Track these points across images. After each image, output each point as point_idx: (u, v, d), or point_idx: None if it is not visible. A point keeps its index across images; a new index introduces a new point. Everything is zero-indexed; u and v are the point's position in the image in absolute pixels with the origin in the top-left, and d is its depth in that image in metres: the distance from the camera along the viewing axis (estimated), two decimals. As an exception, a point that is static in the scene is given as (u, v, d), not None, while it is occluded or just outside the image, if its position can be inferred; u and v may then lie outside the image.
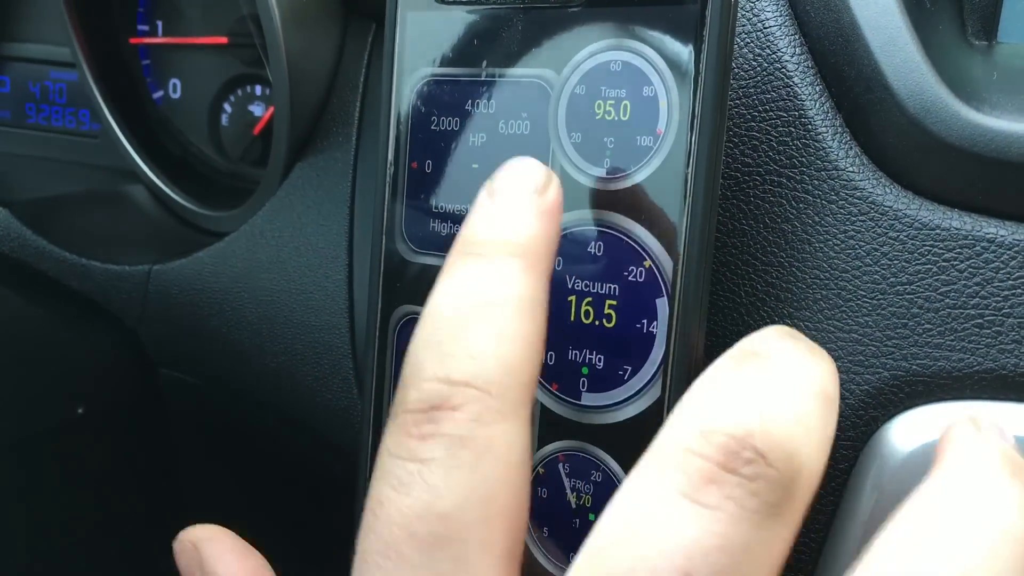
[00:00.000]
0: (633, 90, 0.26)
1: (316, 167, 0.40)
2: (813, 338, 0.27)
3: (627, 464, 0.26)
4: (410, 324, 0.30)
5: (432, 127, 0.29)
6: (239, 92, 0.48)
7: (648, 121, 0.26)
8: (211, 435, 0.48)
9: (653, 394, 0.26)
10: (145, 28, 0.50)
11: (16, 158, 0.55)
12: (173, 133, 0.50)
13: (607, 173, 0.26)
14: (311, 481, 0.45)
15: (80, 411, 0.41)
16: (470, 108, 0.29)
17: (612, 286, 0.26)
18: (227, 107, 0.49)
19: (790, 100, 0.28)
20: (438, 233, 0.29)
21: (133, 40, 0.50)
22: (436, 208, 0.29)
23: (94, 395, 0.43)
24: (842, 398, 0.26)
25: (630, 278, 0.26)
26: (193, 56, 0.49)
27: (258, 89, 0.47)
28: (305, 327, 0.39)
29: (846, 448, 0.27)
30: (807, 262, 0.27)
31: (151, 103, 0.50)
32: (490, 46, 0.28)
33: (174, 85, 0.50)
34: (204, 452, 0.49)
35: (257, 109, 0.48)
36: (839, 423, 0.26)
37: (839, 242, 0.27)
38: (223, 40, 0.47)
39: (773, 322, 0.28)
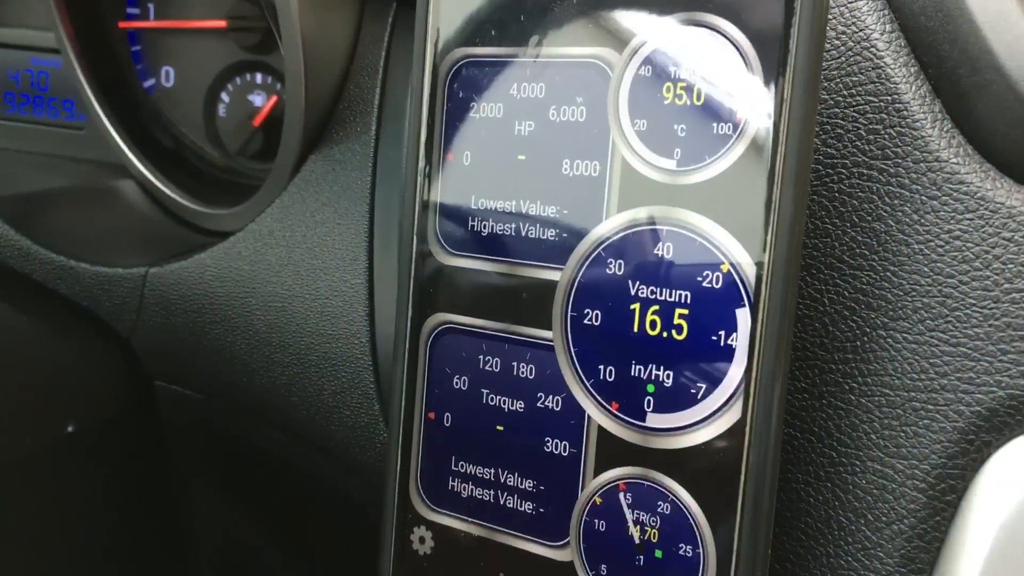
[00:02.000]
0: (709, 71, 0.24)
1: (331, 159, 0.39)
2: (913, 352, 0.25)
3: (700, 494, 0.24)
4: (445, 334, 0.28)
5: (471, 114, 0.27)
6: (238, 80, 0.47)
7: (727, 106, 0.24)
8: (212, 455, 0.47)
9: (732, 416, 0.24)
10: (136, 11, 0.48)
11: (-6, 151, 0.54)
12: (165, 124, 0.49)
13: (678, 165, 0.24)
14: (326, 505, 0.43)
15: (70, 429, 0.39)
16: (515, 93, 0.27)
17: (683, 293, 0.24)
18: (224, 96, 0.47)
19: (881, 83, 0.26)
20: (478, 233, 0.27)
21: (122, 24, 0.48)
22: (475, 205, 0.27)
23: (83, 412, 0.41)
24: (949, 420, 0.24)
25: (704, 284, 0.24)
26: (188, 41, 0.48)
27: (259, 77, 0.46)
28: (320, 336, 0.37)
29: (954, 478, 0.25)
30: (904, 265, 0.25)
31: (142, 92, 0.49)
32: (540, 22, 0.26)
33: (167, 73, 0.49)
34: (204, 473, 0.48)
35: (257, 99, 0.46)
36: (945, 450, 0.24)
37: (943, 243, 0.25)
38: (222, 24, 0.45)
39: (863, 333, 0.26)
